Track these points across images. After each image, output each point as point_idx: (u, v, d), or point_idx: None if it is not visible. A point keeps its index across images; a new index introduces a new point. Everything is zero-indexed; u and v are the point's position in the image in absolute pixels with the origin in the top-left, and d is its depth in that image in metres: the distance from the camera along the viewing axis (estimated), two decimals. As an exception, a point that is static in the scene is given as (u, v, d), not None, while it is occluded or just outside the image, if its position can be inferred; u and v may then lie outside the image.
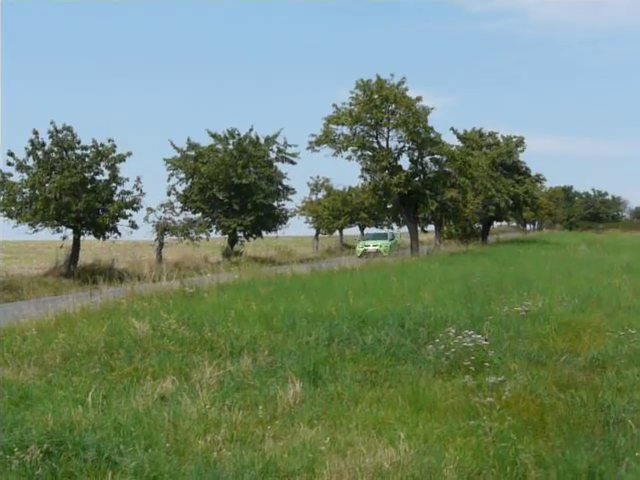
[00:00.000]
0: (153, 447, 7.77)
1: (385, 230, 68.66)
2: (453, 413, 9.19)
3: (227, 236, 51.90)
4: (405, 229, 74.44)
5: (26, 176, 36.68)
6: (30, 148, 36.77)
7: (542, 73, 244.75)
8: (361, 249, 57.58)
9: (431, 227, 62.70)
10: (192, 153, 50.91)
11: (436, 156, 48.25)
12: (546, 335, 13.82)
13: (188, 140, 51.33)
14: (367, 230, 74.58)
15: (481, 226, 71.57)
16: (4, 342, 13.39)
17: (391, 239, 61.10)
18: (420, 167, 48.35)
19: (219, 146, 51.56)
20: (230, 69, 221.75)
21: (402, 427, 8.48)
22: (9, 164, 36.61)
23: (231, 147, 51.20)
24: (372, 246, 57.39)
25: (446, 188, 48.08)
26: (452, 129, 64.12)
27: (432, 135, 46.84)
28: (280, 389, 9.92)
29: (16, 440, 7.65)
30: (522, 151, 70.26)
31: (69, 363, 11.98)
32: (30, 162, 36.85)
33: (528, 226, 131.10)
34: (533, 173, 74.40)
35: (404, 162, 47.92)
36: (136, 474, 7.07)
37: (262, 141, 52.31)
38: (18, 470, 7.14)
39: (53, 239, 39.85)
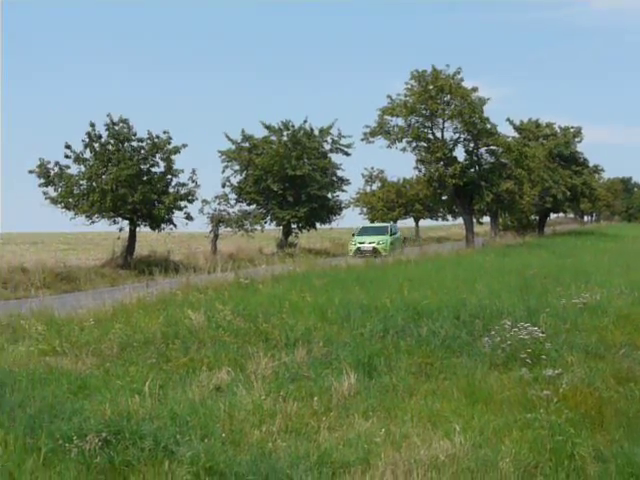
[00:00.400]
0: (209, 437, 7.81)
1: (385, 223, 56.29)
2: (509, 406, 9.11)
3: (281, 228, 52.05)
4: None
5: (83, 168, 37.12)
6: (87, 140, 37.19)
7: (600, 62, 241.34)
8: (354, 247, 46.96)
9: (486, 219, 62.25)
10: (246, 145, 51.12)
11: (492, 147, 47.90)
12: (604, 328, 13.63)
13: (243, 132, 51.58)
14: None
15: (537, 218, 70.93)
16: (63, 332, 13.57)
17: (392, 234, 49.78)
18: (475, 158, 48.04)
19: (273, 138, 51.68)
20: (285, 61, 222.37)
21: (457, 419, 8.42)
22: (67, 156, 37.08)
23: (285, 139, 51.30)
24: (368, 243, 46.73)
25: (502, 179, 47.62)
26: (508, 120, 63.69)
27: (488, 126, 46.52)
28: (335, 380, 9.90)
29: (75, 429, 7.74)
30: (580, 142, 69.48)
31: (126, 353, 12.09)
32: (87, 154, 37.29)
33: (585, 218, 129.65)
34: (591, 164, 73.50)
35: (459, 153, 47.72)
36: (192, 464, 7.11)
37: (316, 132, 52.35)
38: (77, 458, 7.23)
39: (110, 230, 40.34)
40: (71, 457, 7.26)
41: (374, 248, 45.57)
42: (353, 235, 49.66)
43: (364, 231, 50.09)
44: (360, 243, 46.96)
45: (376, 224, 55.65)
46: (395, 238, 49.11)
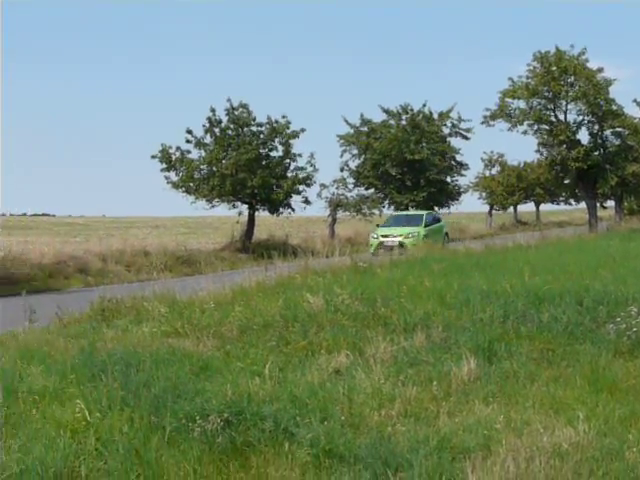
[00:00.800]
0: (328, 420, 7.84)
1: (421, 211, 43.85)
2: (635, 394, 8.85)
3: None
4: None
5: (204, 153, 37.89)
6: (207, 125, 37.92)
7: None
8: (375, 241, 37.21)
9: (610, 203, 60.71)
10: (365, 129, 51.19)
11: (618, 129, 46.68)
12: None
13: (361, 116, 51.74)
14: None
15: (666, 202, 68.71)
16: (184, 314, 13.82)
17: (428, 224, 39.51)
18: (600, 141, 46.92)
19: (392, 122, 51.65)
20: (404, 45, 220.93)
21: (581, 407, 8.22)
22: (188, 141, 37.92)
23: (404, 123, 51.18)
24: (393, 236, 37.00)
25: (628, 162, 46.35)
26: (635, 101, 61.76)
27: (614, 107, 45.39)
28: (454, 365, 9.79)
29: (197, 409, 7.88)
30: None
31: (246, 336, 12.23)
32: (207, 139, 38.03)
33: None
34: None
35: (583, 136, 46.71)
36: (312, 445, 7.15)
37: (435, 116, 52.02)
38: (200, 438, 7.36)
39: (229, 215, 41.15)
40: (194, 436, 7.40)
41: (400, 243, 35.66)
42: (377, 226, 40.27)
43: (393, 220, 41.12)
44: (384, 236, 37.32)
45: (410, 212, 45.15)
46: (431, 230, 39.11)
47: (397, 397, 8.65)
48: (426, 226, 38.85)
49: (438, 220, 42.19)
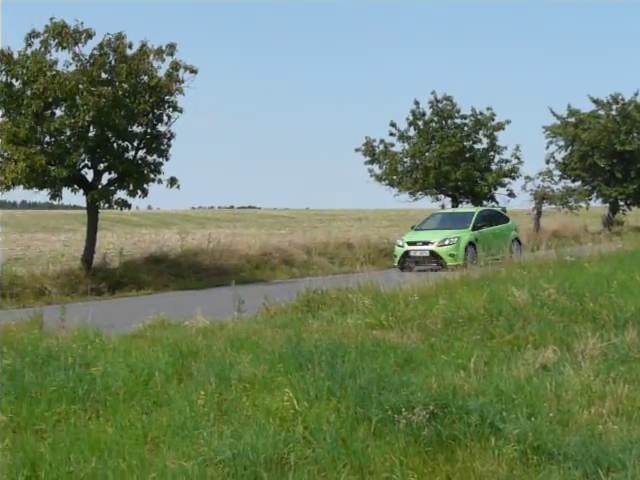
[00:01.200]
0: (535, 416, 7.69)
1: (472, 208, 34.27)
2: None
3: (608, 205, 50.45)
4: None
5: (407, 146, 38.07)
6: (411, 118, 38.07)
7: None
8: (400, 250, 28.37)
9: None
10: (572, 120, 49.94)
11: None
12: None
13: (568, 107, 50.56)
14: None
15: None
16: (388, 307, 13.89)
17: (480, 226, 29.08)
18: None
19: (601, 112, 50.11)
20: (615, 31, 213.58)
21: None
22: (391, 134, 38.27)
23: (614, 113, 49.55)
24: (422, 244, 27.96)
25: None
26: None
27: None
28: (669, 364, 9.43)
29: (403, 401, 7.90)
30: None
31: (450, 329, 12.16)
32: (411, 132, 38.19)
33: None
34: None
35: None
36: (519, 441, 7.04)
37: (648, 105, 50.10)
38: (405, 429, 7.39)
39: (431, 207, 41.13)
40: (400, 428, 7.42)
41: (432, 253, 27.56)
42: (412, 228, 30.97)
43: (434, 221, 30.84)
44: (410, 244, 28.35)
45: (458, 209, 35.45)
46: (485, 234, 28.63)
47: (608, 395, 8.38)
48: (476, 228, 28.74)
49: (504, 220, 30.98)
